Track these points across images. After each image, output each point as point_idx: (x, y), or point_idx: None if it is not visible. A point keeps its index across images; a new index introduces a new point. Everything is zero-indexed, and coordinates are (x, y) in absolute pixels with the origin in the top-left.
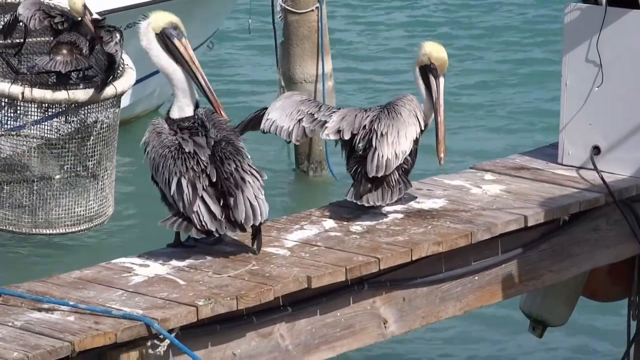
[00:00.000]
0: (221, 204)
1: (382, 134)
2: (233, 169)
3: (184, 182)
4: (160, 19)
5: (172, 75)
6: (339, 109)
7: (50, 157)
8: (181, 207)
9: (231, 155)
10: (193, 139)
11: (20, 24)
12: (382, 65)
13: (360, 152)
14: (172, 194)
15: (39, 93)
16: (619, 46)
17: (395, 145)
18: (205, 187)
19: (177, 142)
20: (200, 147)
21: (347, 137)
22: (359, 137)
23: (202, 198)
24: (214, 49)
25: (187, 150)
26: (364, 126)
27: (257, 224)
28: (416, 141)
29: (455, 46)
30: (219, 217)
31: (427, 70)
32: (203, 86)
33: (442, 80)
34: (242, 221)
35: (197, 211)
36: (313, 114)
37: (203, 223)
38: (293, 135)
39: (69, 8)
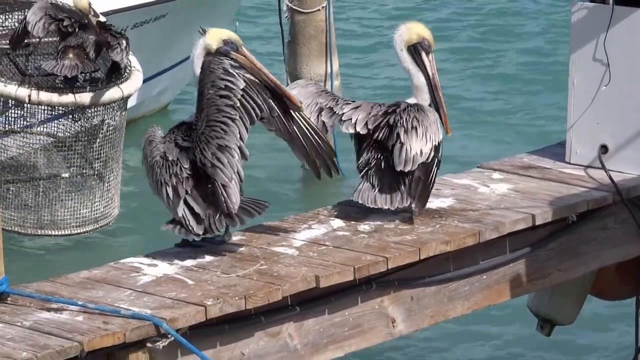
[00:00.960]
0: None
1: (412, 127)
2: (199, 161)
3: (169, 190)
4: (212, 40)
5: None
6: (354, 101)
7: (57, 158)
8: (172, 213)
9: (200, 148)
10: (180, 144)
11: (31, 32)
12: (389, 65)
13: (382, 145)
14: (163, 201)
15: (45, 96)
16: (626, 45)
17: (423, 142)
18: (188, 190)
19: (162, 150)
20: (184, 152)
21: (360, 129)
22: (377, 125)
23: (185, 202)
24: None
25: (170, 158)
26: (385, 114)
27: (230, 210)
28: (437, 148)
29: (462, 46)
30: (204, 218)
31: (419, 48)
32: (269, 83)
33: (432, 56)
34: (227, 210)
35: (182, 215)
36: (332, 108)
37: (190, 227)
38: None
39: (74, 6)
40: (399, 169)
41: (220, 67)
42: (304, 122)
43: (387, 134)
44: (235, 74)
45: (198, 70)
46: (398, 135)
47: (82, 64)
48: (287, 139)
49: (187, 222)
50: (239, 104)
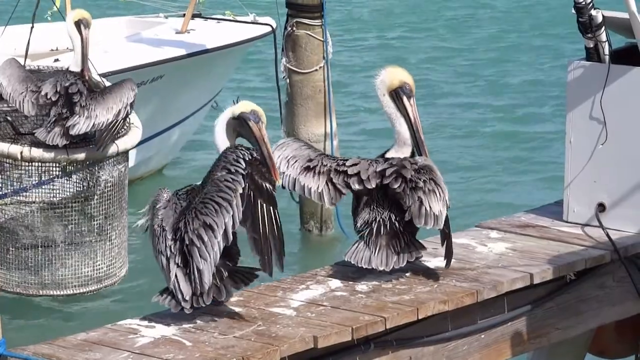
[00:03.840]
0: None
1: (429, 190)
2: (180, 234)
3: (163, 259)
4: (240, 107)
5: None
6: (350, 158)
7: (54, 218)
8: (167, 283)
9: (185, 221)
10: (177, 212)
11: (9, 104)
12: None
13: (385, 203)
14: (160, 268)
15: (37, 153)
16: (622, 103)
17: (442, 202)
18: (179, 263)
19: (160, 217)
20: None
21: (366, 184)
22: (382, 181)
23: (175, 275)
24: (218, 109)
25: (166, 227)
26: (391, 169)
27: (202, 291)
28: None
29: (461, 104)
30: (189, 295)
31: (401, 93)
32: (265, 154)
33: (414, 100)
34: (200, 291)
35: (173, 287)
36: (338, 170)
37: (178, 299)
38: (326, 198)
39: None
40: (419, 226)
41: (237, 154)
42: (273, 212)
43: (402, 191)
44: (245, 167)
45: (220, 129)
46: (419, 197)
47: (71, 135)
48: (249, 221)
49: (177, 295)
50: (240, 191)
